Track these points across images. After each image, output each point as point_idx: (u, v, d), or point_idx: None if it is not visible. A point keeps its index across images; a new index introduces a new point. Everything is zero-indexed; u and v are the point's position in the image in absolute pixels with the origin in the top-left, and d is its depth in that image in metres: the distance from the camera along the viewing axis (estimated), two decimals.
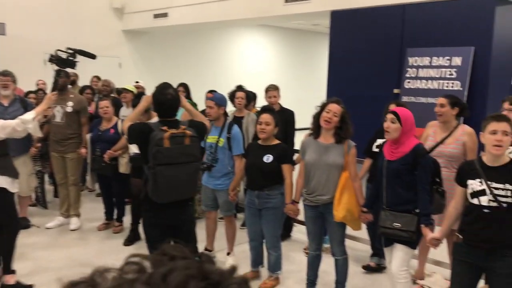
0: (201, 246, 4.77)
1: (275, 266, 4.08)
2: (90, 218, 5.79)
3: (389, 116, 3.17)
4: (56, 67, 4.79)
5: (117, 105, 5.89)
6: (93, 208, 6.09)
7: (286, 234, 5.13)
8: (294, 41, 14.64)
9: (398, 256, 3.21)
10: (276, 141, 3.90)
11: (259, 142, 3.93)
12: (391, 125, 3.14)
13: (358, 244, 4.85)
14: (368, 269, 4.43)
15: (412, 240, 3.14)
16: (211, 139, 4.34)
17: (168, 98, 3.19)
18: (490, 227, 2.67)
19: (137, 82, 6.99)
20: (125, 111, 5.92)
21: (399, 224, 3.13)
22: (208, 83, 8.18)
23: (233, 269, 0.53)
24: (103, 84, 6.91)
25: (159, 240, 2.08)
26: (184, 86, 6.36)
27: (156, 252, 0.52)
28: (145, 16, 10.19)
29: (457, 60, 5.59)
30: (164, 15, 9.69)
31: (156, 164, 3.03)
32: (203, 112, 5.49)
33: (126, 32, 10.95)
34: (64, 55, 4.75)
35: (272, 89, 5.28)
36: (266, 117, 3.84)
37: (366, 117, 4.88)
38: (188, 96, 6.08)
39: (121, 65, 10.86)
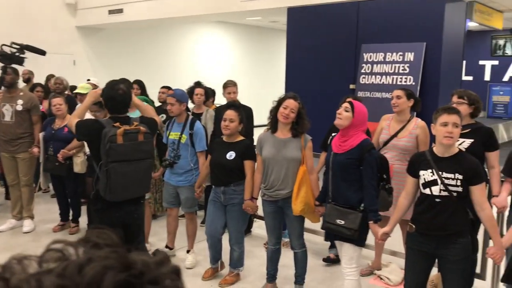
0: (162, 244, 4.72)
1: (238, 262, 4.07)
2: (44, 219, 5.61)
3: (344, 104, 3.19)
4: (1, 64, 4.59)
5: (71, 103, 5.72)
6: (47, 209, 5.90)
7: (246, 230, 5.13)
8: (253, 38, 14.65)
9: (346, 254, 3.21)
10: (240, 138, 3.90)
11: (224, 138, 3.91)
12: (344, 112, 3.14)
13: (317, 237, 4.90)
14: (328, 261, 4.49)
15: (354, 238, 3.10)
16: (173, 135, 4.30)
17: (119, 94, 3.13)
18: (442, 215, 2.76)
19: (88, 80, 6.80)
20: None
21: (342, 221, 3.11)
22: (165, 80, 8.07)
23: (163, 258, 0.49)
24: (56, 82, 6.69)
25: None
26: (139, 83, 6.24)
27: (80, 238, 0.49)
28: (100, 12, 9.95)
29: (409, 56, 5.75)
30: (119, 11, 9.49)
31: (109, 161, 2.96)
32: (159, 108, 5.43)
33: (80, 28, 10.66)
34: (9, 51, 4.55)
35: (230, 85, 5.26)
36: (230, 113, 3.82)
37: (323, 112, 4.95)
38: (143, 93, 5.97)
39: (75, 62, 10.56)
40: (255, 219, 5.31)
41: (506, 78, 11.74)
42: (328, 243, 4.61)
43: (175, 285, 0.48)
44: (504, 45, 9.82)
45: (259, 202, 3.85)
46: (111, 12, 9.66)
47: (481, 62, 11.89)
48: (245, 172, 3.81)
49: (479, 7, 7.63)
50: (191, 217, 4.48)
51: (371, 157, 3.10)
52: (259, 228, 5.25)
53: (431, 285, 3.42)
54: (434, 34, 5.67)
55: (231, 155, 3.79)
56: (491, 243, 3.01)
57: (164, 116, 5.15)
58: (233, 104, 4.12)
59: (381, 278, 4.18)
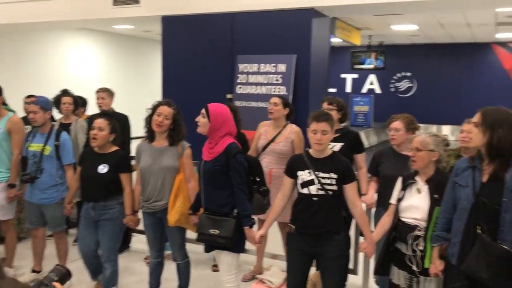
0: (28, 267, 4.27)
1: (110, 282, 3.74)
2: None
3: (202, 110, 3.11)
4: None
5: None
6: None
7: (124, 245, 4.88)
8: (125, 47, 14.17)
9: (224, 262, 3.15)
10: (114, 148, 3.67)
11: (95, 149, 3.65)
12: (201, 119, 3.09)
13: (200, 247, 4.84)
14: (218, 268, 4.46)
15: (230, 246, 3.04)
16: (35, 147, 3.92)
17: None
18: (319, 214, 2.89)
19: None
20: None
21: (216, 231, 3.02)
22: (30, 89, 7.38)
23: None
24: None
25: None
26: None
27: None
28: None
29: (281, 67, 6.01)
30: None
31: None
32: (24, 119, 4.93)
33: None
34: None
35: (101, 91, 4.99)
36: (99, 122, 3.59)
37: None
38: (3, 102, 5.38)
39: None
40: (133, 233, 5.08)
41: (364, 90, 12.94)
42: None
43: None
44: (362, 60, 10.82)
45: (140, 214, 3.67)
46: None
47: (342, 75, 12.95)
48: (118, 186, 3.59)
49: (340, 24, 8.32)
50: (60, 236, 4.13)
51: (237, 162, 3.02)
52: (139, 242, 5.03)
53: (310, 284, 3.56)
54: (303, 47, 6.00)
55: (103, 167, 3.56)
56: (361, 239, 3.24)
57: (29, 127, 4.69)
58: (105, 113, 3.89)
59: (264, 282, 4.25)
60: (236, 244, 3.06)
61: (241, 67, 6.24)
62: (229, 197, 3.05)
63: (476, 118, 2.47)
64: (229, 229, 3.00)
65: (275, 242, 4.25)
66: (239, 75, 6.25)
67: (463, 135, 3.35)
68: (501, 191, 2.36)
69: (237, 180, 3.02)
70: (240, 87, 6.23)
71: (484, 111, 2.47)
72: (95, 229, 3.64)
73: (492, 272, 2.33)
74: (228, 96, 6.27)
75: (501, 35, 10.32)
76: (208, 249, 3.24)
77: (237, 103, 6.04)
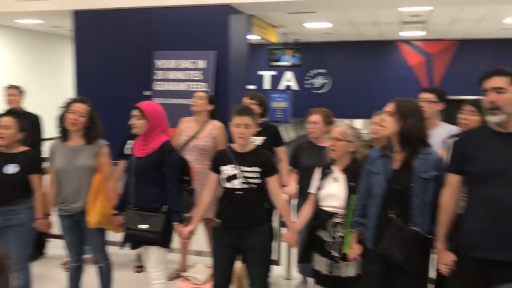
0: None
1: None
2: None
3: (135, 112, 3.11)
4: None
5: None
6: None
7: (38, 252, 4.61)
8: (34, 44, 13.32)
9: (152, 258, 3.14)
10: (23, 148, 3.43)
11: (2, 149, 3.39)
12: (137, 121, 3.09)
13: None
14: (141, 269, 4.37)
15: (160, 240, 3.07)
16: None
17: None
18: (243, 207, 2.94)
19: None
20: None
21: (145, 226, 3.04)
22: None
23: None
24: None
25: None
26: None
27: None
28: None
29: (201, 63, 5.98)
30: None
31: None
32: None
33: None
34: None
35: (11, 88, 4.72)
36: (5, 120, 3.35)
37: (118, 119, 4.75)
38: None
39: None
40: (48, 239, 4.81)
41: (282, 86, 13.23)
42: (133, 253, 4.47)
43: None
44: (279, 57, 11.06)
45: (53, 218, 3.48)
46: None
47: (260, 72, 13.15)
48: (27, 188, 3.37)
49: (257, 21, 8.44)
50: None
51: (172, 159, 3.11)
52: (55, 247, 4.77)
53: (236, 277, 3.60)
54: (222, 44, 6.01)
55: (11, 168, 3.32)
56: (284, 230, 3.33)
57: None
58: (12, 111, 3.64)
59: (189, 279, 4.23)
60: (165, 239, 3.09)
61: (159, 63, 6.13)
62: (161, 193, 3.08)
63: (390, 107, 2.64)
64: (158, 223, 3.02)
65: (200, 239, 4.23)
66: (156, 71, 6.13)
67: (374, 126, 3.56)
68: (411, 177, 2.55)
69: (170, 177, 3.07)
70: (159, 84, 6.11)
71: (398, 101, 2.65)
72: (1, 236, 3.39)
73: (405, 253, 2.51)
74: (146, 93, 6.13)
75: (406, 33, 11.05)
76: (135, 246, 3.21)
77: (157, 100, 5.92)
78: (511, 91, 2.28)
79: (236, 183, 2.93)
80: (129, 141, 4.03)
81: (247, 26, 6.85)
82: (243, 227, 2.96)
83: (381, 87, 11.94)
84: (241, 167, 2.93)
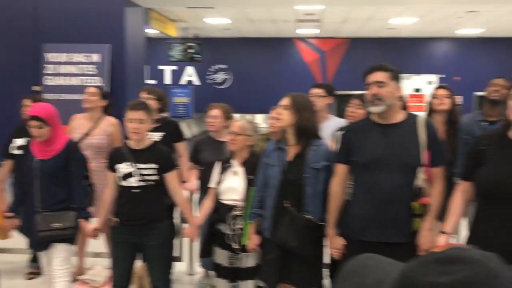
0: None
1: None
2: None
3: (33, 123, 2.85)
4: None
5: None
6: None
7: None
8: None
9: (59, 255, 3.01)
10: None
11: None
12: (40, 131, 2.85)
13: (12, 256, 4.39)
14: (32, 275, 4.10)
15: (73, 236, 3.01)
16: None
17: None
18: (141, 205, 2.89)
19: None
20: None
21: (59, 224, 2.95)
22: None
23: None
24: None
25: None
26: None
27: None
28: None
29: (95, 57, 5.74)
30: None
31: None
32: None
33: None
34: None
35: None
36: None
37: (2, 116, 4.43)
38: None
39: None
40: None
41: (183, 81, 13.12)
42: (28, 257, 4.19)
43: None
44: (179, 52, 10.92)
45: None
46: None
47: (161, 67, 12.91)
48: None
49: (155, 15, 8.26)
50: None
51: (78, 157, 3.05)
52: None
53: (136, 277, 3.53)
54: (117, 37, 5.81)
55: None
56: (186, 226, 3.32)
57: None
58: None
59: (87, 282, 4.05)
60: (74, 235, 3.03)
61: (49, 56, 5.77)
62: (68, 192, 3.00)
63: (286, 101, 2.76)
64: (71, 219, 2.97)
65: (97, 240, 4.07)
66: (46, 65, 5.76)
67: (272, 120, 3.67)
68: (304, 168, 2.68)
69: (76, 174, 3.01)
70: (49, 78, 5.76)
71: (292, 96, 2.79)
72: None
73: (299, 240, 2.64)
74: (35, 88, 5.74)
75: (301, 31, 11.50)
76: (44, 247, 3.04)
77: (48, 96, 5.57)
78: (391, 85, 2.50)
79: (133, 181, 2.87)
80: (16, 140, 3.73)
81: (144, 19, 6.70)
82: (142, 225, 2.92)
83: (279, 83, 12.30)
84: (137, 164, 2.87)
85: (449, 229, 2.37)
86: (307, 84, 3.81)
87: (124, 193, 2.91)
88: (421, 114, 3.08)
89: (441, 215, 2.52)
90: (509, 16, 8.91)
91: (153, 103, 3.73)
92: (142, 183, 2.87)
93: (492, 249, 1.94)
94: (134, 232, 2.93)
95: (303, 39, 12.74)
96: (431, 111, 3.77)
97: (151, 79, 12.58)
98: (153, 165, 2.88)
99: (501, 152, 2.19)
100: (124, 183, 2.89)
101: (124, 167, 2.88)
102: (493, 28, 10.48)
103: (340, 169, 2.63)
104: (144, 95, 3.89)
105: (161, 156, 2.95)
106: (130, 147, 2.94)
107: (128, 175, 2.87)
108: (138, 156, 2.89)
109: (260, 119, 10.82)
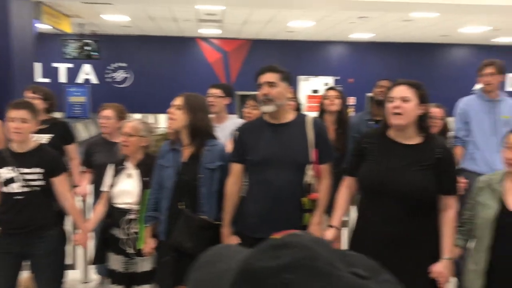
0: None
1: None
2: None
3: None
4: None
5: None
6: None
7: None
8: None
9: None
10: None
11: None
12: None
13: None
14: None
15: None
16: None
17: None
18: (25, 212, 2.70)
19: None
20: None
21: None
22: None
23: None
24: None
25: None
26: None
27: None
28: None
29: None
30: None
31: None
32: None
33: None
34: None
35: None
36: None
37: None
38: None
39: None
40: None
41: (80, 80, 12.47)
42: None
43: None
44: (74, 49, 10.34)
45: None
46: None
47: (55, 65, 12.16)
48: None
49: (47, 10, 7.77)
50: None
51: None
52: None
53: None
54: (2, 32, 5.38)
55: None
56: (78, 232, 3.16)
57: None
58: None
59: None
60: None
61: None
62: None
63: (178, 101, 2.73)
64: None
65: None
66: None
67: (170, 121, 3.62)
68: (198, 168, 2.68)
69: None
70: None
71: (186, 96, 2.76)
72: None
73: (194, 241, 2.63)
74: None
75: (204, 31, 11.49)
76: None
77: None
78: (282, 85, 2.59)
79: (15, 187, 2.67)
80: None
81: (33, 13, 6.27)
82: (27, 233, 2.72)
83: (182, 82, 12.19)
84: (20, 168, 2.67)
85: (336, 223, 2.51)
86: (211, 83, 3.82)
87: (6, 200, 2.70)
88: (313, 114, 3.24)
89: (329, 210, 2.67)
90: (394, 23, 9.66)
91: (39, 103, 3.50)
92: (26, 189, 2.68)
93: (373, 235, 2.07)
94: (18, 241, 2.73)
95: (205, 39, 12.74)
96: (323, 111, 3.97)
97: (44, 77, 11.82)
98: (38, 170, 2.71)
99: (381, 150, 2.36)
100: (5, 189, 2.68)
101: (5, 172, 2.67)
102: (382, 34, 11.30)
103: (235, 168, 2.67)
104: (29, 94, 3.64)
105: (48, 159, 2.77)
106: (12, 151, 2.73)
107: (10, 181, 2.67)
108: (21, 160, 2.70)
109: (162, 119, 10.63)
